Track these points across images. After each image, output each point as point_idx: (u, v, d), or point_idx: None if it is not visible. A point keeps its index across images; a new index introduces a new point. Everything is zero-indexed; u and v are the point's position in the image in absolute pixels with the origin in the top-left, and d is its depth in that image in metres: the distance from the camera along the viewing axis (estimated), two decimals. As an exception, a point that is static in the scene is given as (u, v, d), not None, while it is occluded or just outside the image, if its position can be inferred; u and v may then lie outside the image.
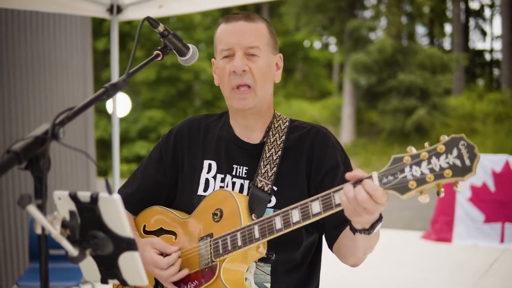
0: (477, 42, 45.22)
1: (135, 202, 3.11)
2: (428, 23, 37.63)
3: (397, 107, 31.22)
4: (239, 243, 2.60)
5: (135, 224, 3.12)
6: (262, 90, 2.82)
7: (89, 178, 8.93)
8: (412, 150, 2.17)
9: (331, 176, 2.80)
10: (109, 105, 6.77)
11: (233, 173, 2.92)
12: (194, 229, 2.85)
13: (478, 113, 30.97)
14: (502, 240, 11.02)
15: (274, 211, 2.71)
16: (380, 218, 2.40)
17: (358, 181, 2.27)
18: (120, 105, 8.56)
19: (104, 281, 2.11)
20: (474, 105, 31.59)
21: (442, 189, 2.13)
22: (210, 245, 2.72)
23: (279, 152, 2.85)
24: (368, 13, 38.70)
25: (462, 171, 2.07)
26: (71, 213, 1.97)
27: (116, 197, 1.89)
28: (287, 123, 2.97)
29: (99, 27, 23.95)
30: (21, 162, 1.82)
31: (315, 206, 2.38)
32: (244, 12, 2.90)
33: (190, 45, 2.64)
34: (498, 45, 39.37)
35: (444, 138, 2.12)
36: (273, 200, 2.79)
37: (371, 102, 34.10)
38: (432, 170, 2.10)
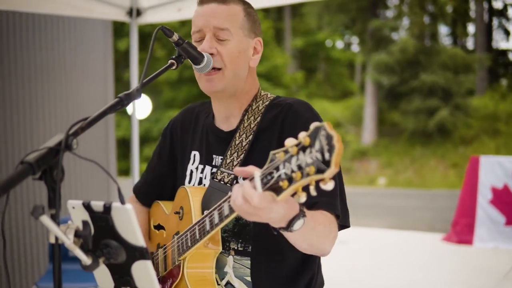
0: (500, 42, 44.81)
1: (143, 195, 3.21)
2: (450, 23, 37.40)
3: (419, 108, 31.16)
4: (189, 243, 2.58)
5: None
6: (232, 73, 2.73)
7: (109, 178, 8.96)
8: (288, 143, 1.91)
9: None
10: (129, 106, 6.78)
11: (213, 163, 2.86)
12: (171, 225, 2.87)
13: (501, 113, 30.81)
14: (523, 243, 10.95)
15: None
16: (298, 214, 2.16)
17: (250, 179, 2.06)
18: (140, 106, 8.57)
19: (117, 289, 2.14)
20: (497, 106, 31.42)
21: (303, 194, 1.88)
22: (175, 244, 2.72)
23: (250, 137, 2.74)
24: (390, 13, 38.61)
25: (323, 166, 1.77)
26: (84, 222, 1.99)
27: (129, 207, 1.90)
28: (267, 103, 2.84)
29: (121, 28, 23.99)
30: (35, 173, 1.84)
31: (225, 208, 2.30)
32: None
33: (204, 53, 2.62)
34: (521, 45, 39.12)
35: (311, 127, 1.82)
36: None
37: (393, 102, 34.07)
38: (299, 167, 1.83)
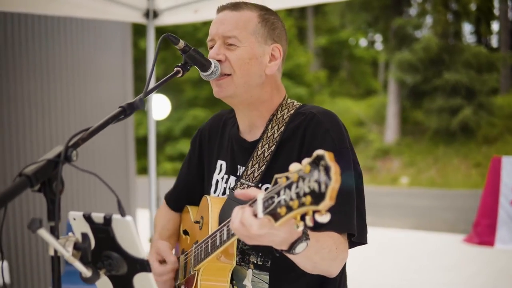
0: (525, 40, 44.35)
1: (174, 200, 3.25)
2: (474, 21, 37.08)
3: (443, 106, 30.98)
4: (203, 255, 2.56)
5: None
6: (242, 80, 2.69)
7: (128, 177, 9.00)
8: (292, 168, 1.84)
9: None
10: (147, 107, 6.80)
11: (237, 174, 2.83)
12: (193, 233, 2.89)
13: (526, 112, 30.58)
14: (545, 245, 10.84)
15: None
16: (300, 237, 2.10)
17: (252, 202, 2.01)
18: (158, 107, 8.57)
19: (119, 300, 2.12)
20: (521, 104, 31.19)
21: (301, 223, 1.81)
22: (193, 253, 2.72)
23: (273, 147, 2.69)
24: (413, 11, 38.38)
25: (318, 198, 1.70)
26: (83, 235, 1.99)
27: (129, 219, 1.89)
28: (292, 112, 2.77)
29: (143, 26, 24.15)
30: (33, 186, 1.83)
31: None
32: (234, 2, 2.79)
33: (211, 60, 2.60)
34: (547, 43, 38.64)
35: (313, 154, 1.76)
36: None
37: (416, 101, 33.88)
38: (298, 195, 1.76)
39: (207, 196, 2.76)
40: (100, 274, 1.96)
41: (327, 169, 1.69)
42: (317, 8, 38.53)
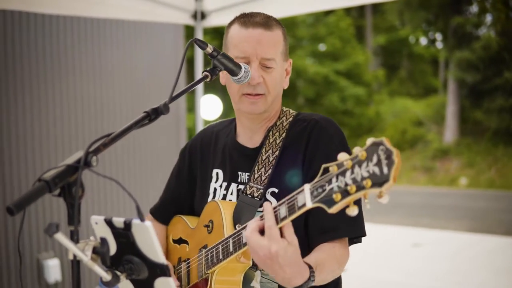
0: None
1: (161, 213, 3.31)
2: (535, 19, 36.34)
3: (503, 106, 30.39)
4: (220, 256, 2.56)
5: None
6: (272, 98, 2.78)
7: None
8: (342, 157, 1.93)
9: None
10: (198, 107, 6.87)
11: (238, 180, 2.87)
12: (197, 239, 2.88)
13: None
14: None
15: None
16: (307, 281, 2.21)
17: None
18: (209, 107, 8.62)
19: (142, 304, 2.14)
20: None
21: (355, 207, 1.90)
22: (203, 257, 2.73)
23: (277, 152, 2.76)
24: (473, 9, 37.78)
25: (380, 180, 1.79)
26: (102, 239, 2.01)
27: (148, 224, 1.91)
28: (290, 119, 2.87)
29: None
30: (52, 191, 1.86)
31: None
32: (261, 15, 2.76)
33: (242, 64, 2.59)
34: None
35: (367, 142, 1.85)
36: (274, 202, 2.61)
37: (476, 100, 33.32)
38: (354, 180, 1.86)
39: (216, 200, 2.80)
40: (120, 278, 1.99)
41: (388, 152, 1.77)
42: (375, 7, 38.22)
